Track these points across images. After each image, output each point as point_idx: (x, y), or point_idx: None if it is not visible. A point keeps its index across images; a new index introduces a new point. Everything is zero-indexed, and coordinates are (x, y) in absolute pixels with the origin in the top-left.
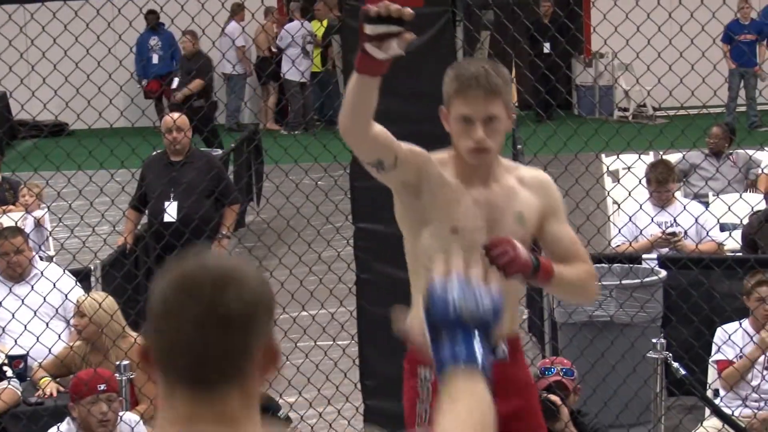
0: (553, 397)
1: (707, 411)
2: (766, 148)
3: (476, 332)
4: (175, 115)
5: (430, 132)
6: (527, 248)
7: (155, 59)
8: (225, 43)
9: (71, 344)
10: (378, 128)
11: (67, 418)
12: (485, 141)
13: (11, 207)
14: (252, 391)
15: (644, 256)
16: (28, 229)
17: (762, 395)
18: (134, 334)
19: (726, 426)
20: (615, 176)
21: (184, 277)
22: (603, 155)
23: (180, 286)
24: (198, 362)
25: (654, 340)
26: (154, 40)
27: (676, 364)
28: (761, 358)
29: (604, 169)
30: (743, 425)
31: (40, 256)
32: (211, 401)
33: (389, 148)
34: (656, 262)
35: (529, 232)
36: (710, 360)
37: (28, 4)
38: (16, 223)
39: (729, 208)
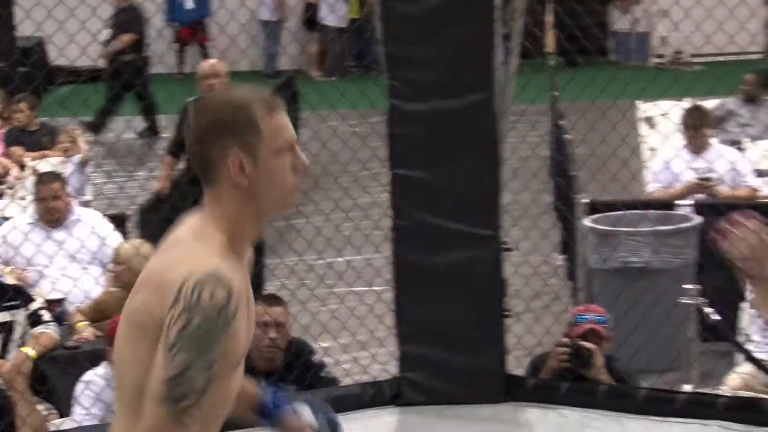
0: (587, 344)
1: (740, 357)
2: None
3: None
4: (213, 61)
5: (461, 78)
6: None
7: (188, 4)
8: None
9: (109, 289)
10: None
11: (105, 362)
12: None
13: (49, 152)
14: None
15: (679, 202)
16: (67, 174)
17: None
18: None
19: (759, 371)
20: (650, 123)
21: None
22: (639, 102)
23: None
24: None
25: (688, 286)
26: None
27: (709, 310)
28: None
29: (640, 115)
30: None
31: (79, 201)
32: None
33: None
34: (692, 208)
35: None
36: (743, 305)
37: None
38: (55, 168)
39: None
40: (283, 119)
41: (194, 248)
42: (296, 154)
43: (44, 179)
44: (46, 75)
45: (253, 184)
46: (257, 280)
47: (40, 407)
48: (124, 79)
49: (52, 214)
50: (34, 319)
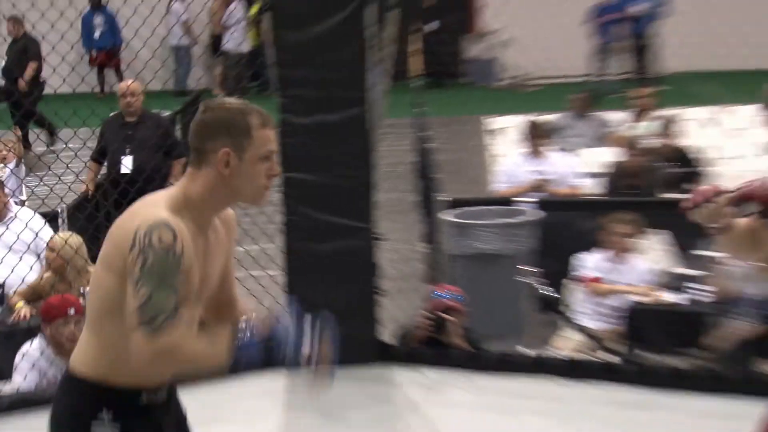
0: (446, 316)
1: (565, 324)
2: (617, 111)
3: None
4: (129, 81)
5: (340, 96)
6: None
7: (97, 34)
8: (172, 19)
9: (42, 275)
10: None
11: (39, 336)
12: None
13: None
14: None
15: (522, 199)
16: (4, 179)
17: (613, 312)
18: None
19: (580, 335)
20: (497, 134)
21: None
22: (485, 116)
23: None
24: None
25: (527, 269)
26: (97, 17)
27: (544, 288)
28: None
29: (487, 128)
30: (595, 335)
31: (14, 201)
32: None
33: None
34: (532, 203)
35: None
36: (568, 279)
37: None
38: None
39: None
40: (271, 133)
41: (149, 206)
42: (273, 163)
43: None
44: None
45: (232, 177)
46: None
47: None
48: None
49: None
50: None
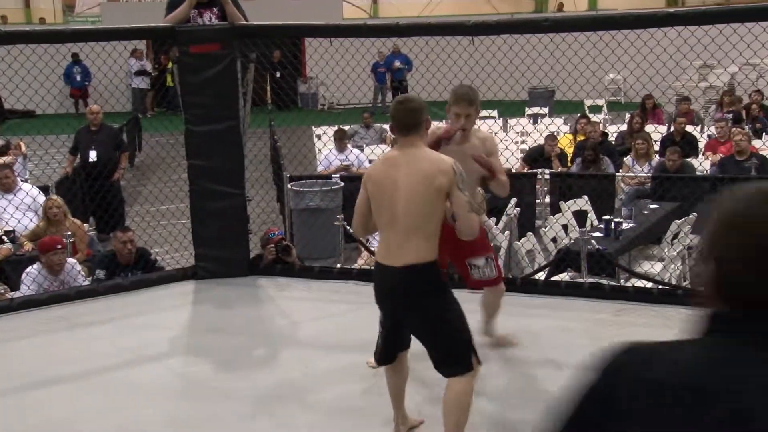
0: (289, 243)
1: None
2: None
3: None
4: (95, 107)
5: (221, 114)
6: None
7: (77, 78)
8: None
9: (38, 224)
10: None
11: (37, 263)
12: (465, 125)
13: (5, 157)
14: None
15: (334, 175)
16: (15, 165)
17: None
18: (72, 219)
19: (371, 255)
20: (319, 137)
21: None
22: (314, 126)
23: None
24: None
25: (338, 216)
26: (75, 68)
27: (348, 227)
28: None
29: (313, 133)
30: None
31: (21, 179)
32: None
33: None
34: (339, 179)
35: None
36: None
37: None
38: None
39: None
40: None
41: (435, 155)
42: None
43: (1, 168)
44: (3, 113)
45: (425, 133)
46: (121, 220)
47: (0, 288)
48: None
49: (5, 185)
50: None
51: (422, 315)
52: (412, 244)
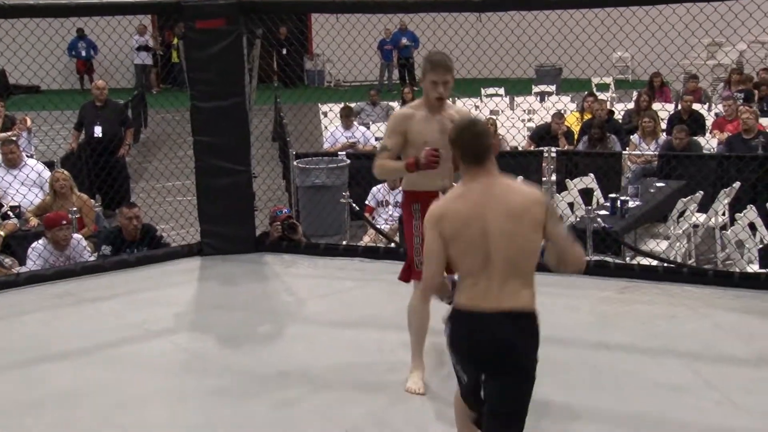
0: (294, 221)
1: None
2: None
3: None
4: (101, 82)
5: (228, 90)
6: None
7: (83, 53)
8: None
9: (44, 199)
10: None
11: (42, 238)
12: (443, 94)
13: (10, 132)
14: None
15: (340, 153)
16: (20, 141)
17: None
18: (78, 193)
19: (376, 233)
20: (325, 114)
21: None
22: (320, 104)
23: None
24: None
25: (344, 194)
26: (81, 43)
27: (353, 205)
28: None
29: (319, 110)
30: (383, 233)
31: (26, 154)
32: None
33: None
34: (345, 156)
35: None
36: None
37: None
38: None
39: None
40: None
41: (525, 187)
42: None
43: (6, 143)
44: (6, 90)
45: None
46: (127, 196)
47: (8, 260)
48: None
49: (11, 161)
50: (4, 216)
51: (524, 375)
52: (513, 288)
